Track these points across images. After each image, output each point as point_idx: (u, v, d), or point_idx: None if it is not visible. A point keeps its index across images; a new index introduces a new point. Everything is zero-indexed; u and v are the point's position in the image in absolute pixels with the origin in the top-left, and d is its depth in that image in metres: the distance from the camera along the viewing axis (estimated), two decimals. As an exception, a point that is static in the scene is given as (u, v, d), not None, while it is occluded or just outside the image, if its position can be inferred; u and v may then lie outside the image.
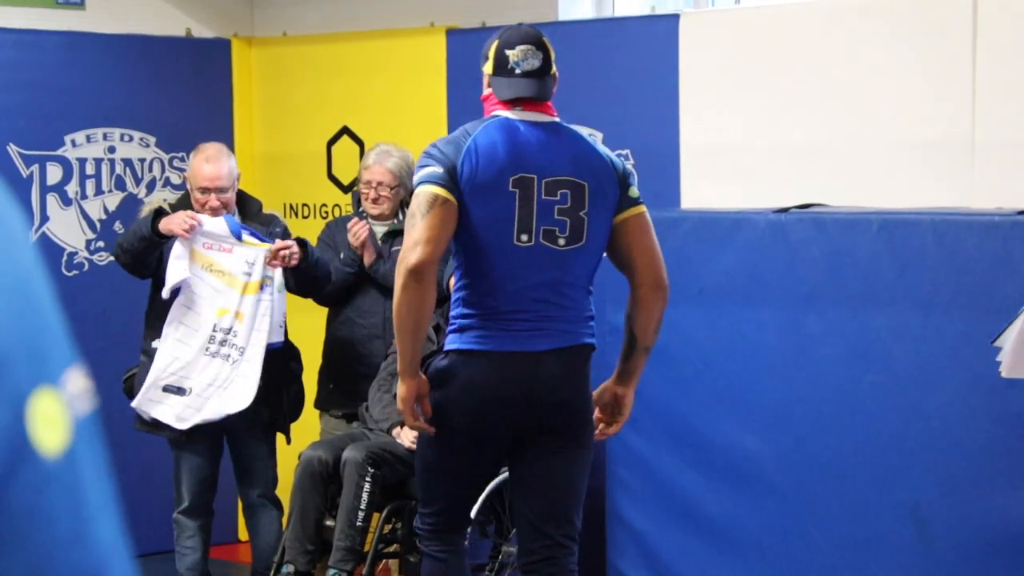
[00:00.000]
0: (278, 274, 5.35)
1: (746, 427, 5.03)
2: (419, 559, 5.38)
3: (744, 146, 5.55)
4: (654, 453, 5.24)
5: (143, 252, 5.29)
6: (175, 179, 6.68)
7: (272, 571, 5.41)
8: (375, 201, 5.77)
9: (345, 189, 6.70)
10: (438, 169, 3.93)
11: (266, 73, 6.88)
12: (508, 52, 4.08)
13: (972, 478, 4.56)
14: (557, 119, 4.11)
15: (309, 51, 6.78)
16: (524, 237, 3.95)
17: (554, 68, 4.13)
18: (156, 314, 5.37)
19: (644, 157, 5.82)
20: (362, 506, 5.16)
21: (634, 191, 4.09)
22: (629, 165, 4.45)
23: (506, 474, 5.38)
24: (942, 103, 5.11)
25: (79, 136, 6.43)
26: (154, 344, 5.33)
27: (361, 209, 5.81)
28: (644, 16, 6.11)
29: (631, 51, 5.84)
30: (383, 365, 5.66)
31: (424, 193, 3.91)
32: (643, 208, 4.09)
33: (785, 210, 5.02)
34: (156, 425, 5.33)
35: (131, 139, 6.58)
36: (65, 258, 6.42)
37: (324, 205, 6.69)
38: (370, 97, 6.57)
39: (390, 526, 5.37)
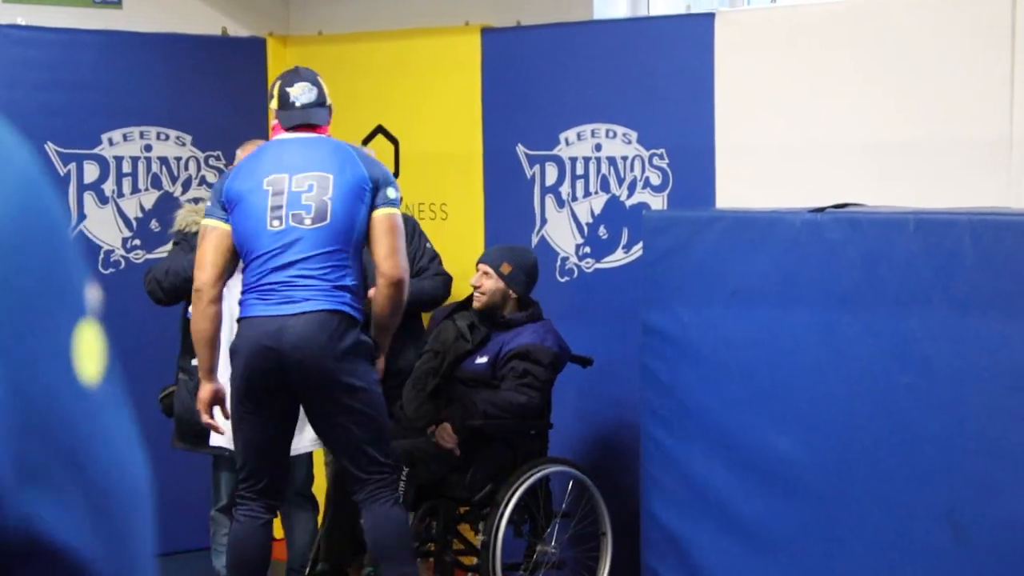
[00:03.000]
0: None
1: (781, 428, 5.02)
2: (454, 558, 5.41)
3: (780, 145, 5.54)
4: (688, 453, 5.23)
5: (184, 290, 5.25)
6: (211, 177, 6.71)
7: (308, 569, 5.43)
8: None
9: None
10: (209, 202, 4.89)
11: (301, 72, 6.90)
12: (288, 90, 4.95)
13: (1008, 481, 4.54)
14: (324, 136, 4.92)
15: (344, 50, 6.79)
16: (276, 223, 4.71)
17: (328, 101, 4.98)
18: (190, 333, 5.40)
19: (679, 156, 5.83)
20: (397, 505, 5.17)
21: (391, 193, 4.78)
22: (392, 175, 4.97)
23: (540, 473, 5.40)
24: (980, 102, 5.08)
25: (116, 135, 6.48)
26: (194, 362, 5.30)
27: None
28: (679, 15, 6.11)
29: (666, 50, 5.84)
30: (417, 364, 5.68)
31: (201, 226, 4.89)
32: (394, 211, 4.76)
33: (821, 210, 5.00)
34: (196, 443, 5.39)
35: (167, 138, 6.62)
36: (102, 256, 6.48)
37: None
38: (404, 96, 6.57)
39: (425, 524, 5.38)
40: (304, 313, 4.61)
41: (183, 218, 5.57)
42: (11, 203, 0.85)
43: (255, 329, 4.66)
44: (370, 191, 4.74)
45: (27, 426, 0.83)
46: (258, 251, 4.70)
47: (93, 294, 0.90)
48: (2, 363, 0.83)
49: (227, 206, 4.77)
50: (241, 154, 5.52)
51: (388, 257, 4.71)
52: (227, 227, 4.74)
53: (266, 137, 6.74)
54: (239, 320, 4.78)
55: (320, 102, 4.94)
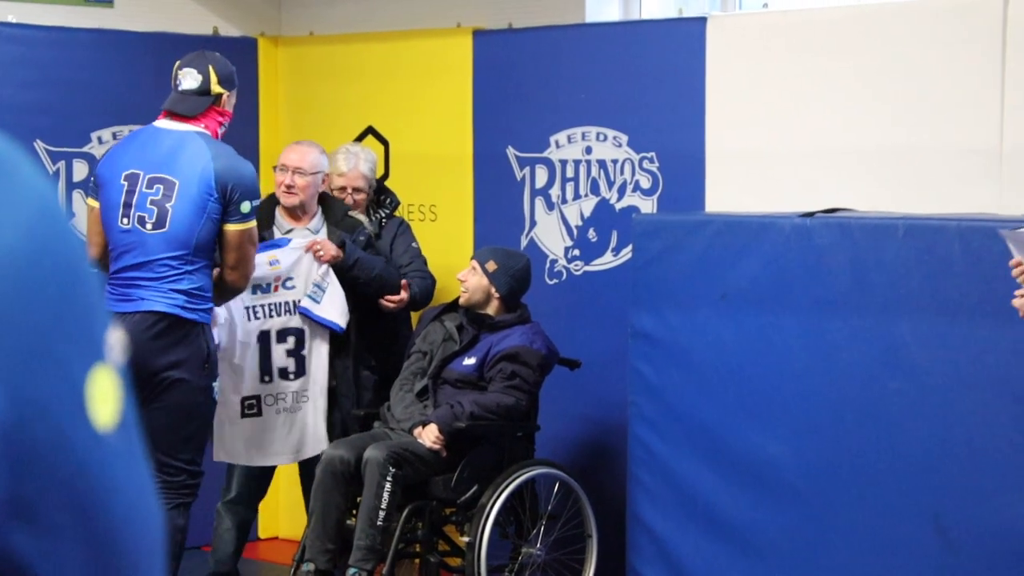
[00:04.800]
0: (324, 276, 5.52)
1: (768, 432, 5.02)
2: (439, 559, 5.40)
3: (770, 150, 5.53)
4: (675, 457, 5.23)
5: None
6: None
7: (292, 569, 5.41)
8: (352, 207, 5.85)
9: (370, 189, 6.69)
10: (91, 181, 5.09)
11: (292, 72, 6.89)
12: (177, 72, 5.02)
13: (995, 486, 4.54)
14: (195, 130, 4.93)
15: (335, 51, 6.77)
16: (125, 221, 4.90)
17: (215, 90, 4.96)
18: None
19: (670, 160, 5.82)
20: (383, 505, 5.16)
21: (245, 207, 4.89)
22: (259, 186, 5.08)
23: (527, 475, 5.40)
24: (970, 109, 5.08)
25: (105, 133, 6.44)
26: None
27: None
28: (671, 19, 6.10)
29: (658, 54, 5.83)
30: (405, 365, 5.67)
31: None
32: (245, 226, 4.89)
33: (811, 215, 5.00)
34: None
35: (157, 136, 6.58)
36: (90, 254, 6.46)
37: (349, 205, 6.68)
38: (396, 97, 6.56)
39: (410, 526, 5.37)
40: (136, 312, 4.80)
41: None
42: (28, 239, 0.83)
43: None
44: (216, 201, 4.85)
45: (28, 462, 0.82)
46: (111, 244, 4.94)
47: (114, 340, 0.88)
48: (8, 397, 0.81)
49: (96, 187, 5.03)
50: (281, 157, 5.71)
51: (233, 269, 4.92)
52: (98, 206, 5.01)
53: (255, 139, 6.76)
54: None
55: (201, 91, 4.96)
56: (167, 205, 4.85)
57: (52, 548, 0.83)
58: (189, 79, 4.96)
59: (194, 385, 4.86)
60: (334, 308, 5.50)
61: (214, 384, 4.95)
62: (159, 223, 4.86)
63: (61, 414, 0.83)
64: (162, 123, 4.98)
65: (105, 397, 0.86)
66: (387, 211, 6.00)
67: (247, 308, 5.46)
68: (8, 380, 0.81)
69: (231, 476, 5.65)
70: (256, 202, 4.94)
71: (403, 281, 5.76)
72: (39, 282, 0.83)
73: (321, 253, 5.49)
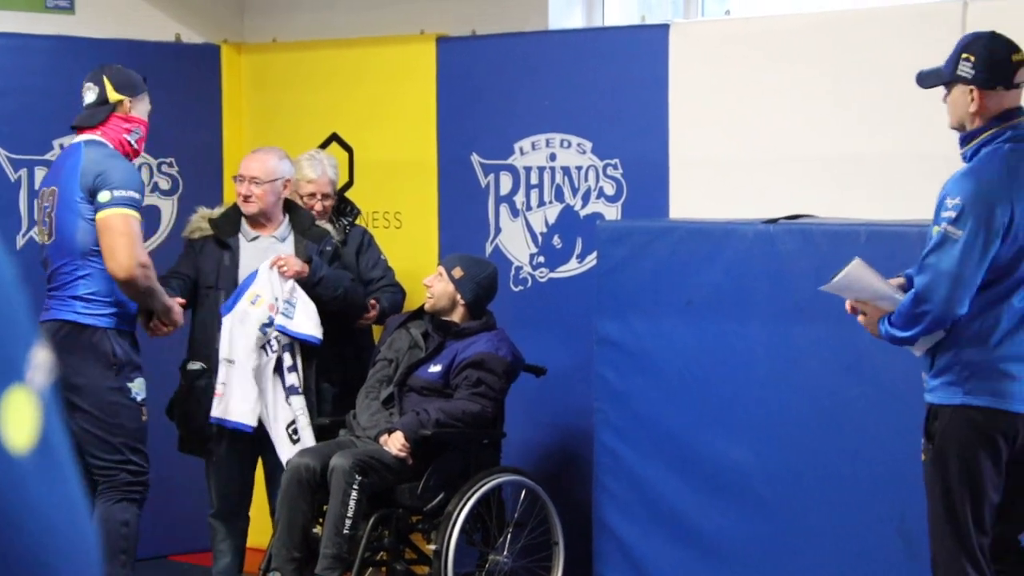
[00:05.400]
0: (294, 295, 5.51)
1: (733, 438, 5.03)
2: (406, 567, 5.39)
3: (734, 157, 5.55)
4: (641, 463, 5.24)
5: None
6: (163, 184, 6.67)
7: (258, 578, 5.40)
8: (319, 213, 5.85)
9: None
10: None
11: (255, 79, 6.86)
12: (82, 91, 5.18)
13: (958, 491, 4.56)
14: (87, 138, 5.09)
15: (299, 57, 6.76)
16: (42, 236, 5.18)
17: (112, 97, 5.11)
18: (194, 336, 5.59)
19: (633, 167, 5.82)
20: (349, 514, 5.15)
21: (104, 195, 4.96)
22: (133, 175, 5.12)
23: (493, 482, 5.40)
24: (932, 115, 5.11)
25: (67, 140, 6.40)
26: (190, 366, 5.56)
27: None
28: (634, 26, 6.11)
29: (621, 61, 5.84)
30: (370, 372, 5.66)
31: None
32: (110, 212, 4.95)
33: (774, 221, 5.02)
34: (193, 449, 5.59)
35: (119, 144, 6.55)
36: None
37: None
38: (359, 104, 6.54)
39: (377, 534, 5.36)
40: (45, 322, 4.98)
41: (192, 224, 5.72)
42: None
43: None
44: (83, 200, 4.99)
45: None
46: (41, 257, 5.20)
47: (40, 360, 0.87)
48: None
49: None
50: (240, 166, 5.68)
51: (108, 259, 4.97)
52: None
53: (219, 146, 6.75)
54: None
55: (99, 101, 5.12)
56: (52, 214, 5.06)
57: None
58: (89, 93, 5.14)
59: (102, 387, 5.01)
60: (309, 321, 5.47)
61: (129, 384, 5.04)
62: (51, 233, 5.08)
63: None
64: (74, 139, 5.19)
65: (20, 419, 0.85)
66: (350, 219, 5.99)
67: (263, 348, 5.43)
68: None
69: (210, 490, 5.62)
70: (120, 192, 4.95)
71: (371, 300, 5.76)
72: None
73: (285, 269, 5.45)
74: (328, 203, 5.87)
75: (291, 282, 5.46)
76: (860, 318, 4.19)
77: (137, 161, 6.55)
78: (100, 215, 4.96)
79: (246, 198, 5.55)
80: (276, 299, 5.42)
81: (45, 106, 6.26)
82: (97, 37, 6.42)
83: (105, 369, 5.01)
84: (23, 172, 6.31)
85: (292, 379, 5.46)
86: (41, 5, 6.46)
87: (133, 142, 5.16)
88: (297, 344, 5.49)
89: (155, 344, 6.13)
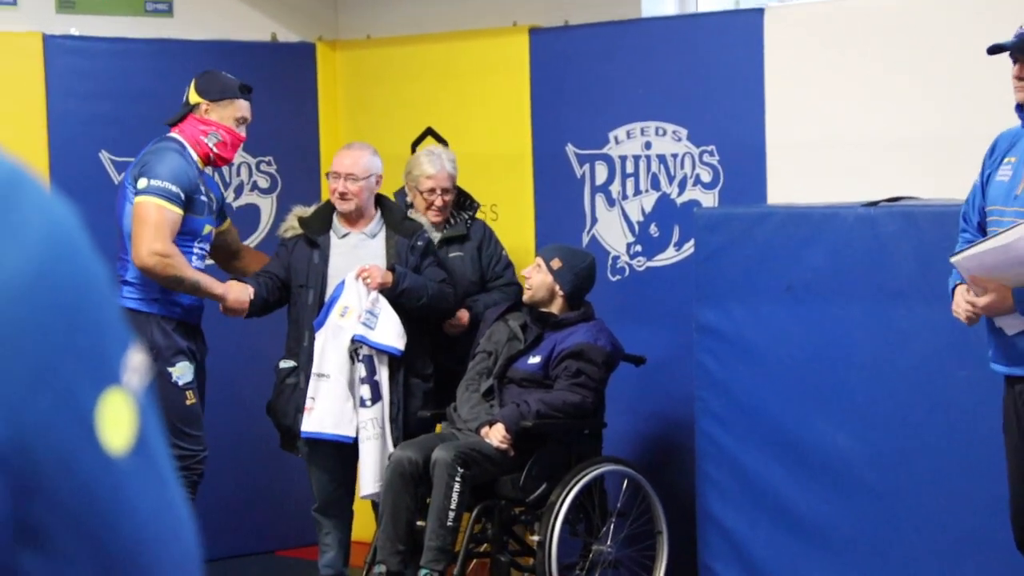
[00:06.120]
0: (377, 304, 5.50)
1: (837, 424, 4.99)
2: (510, 559, 5.41)
3: (831, 140, 5.49)
4: (743, 451, 5.21)
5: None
6: (262, 183, 6.74)
7: (364, 571, 5.44)
8: (440, 209, 5.84)
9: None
10: None
11: (350, 76, 6.90)
12: None
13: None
14: (170, 135, 5.32)
15: (393, 53, 6.79)
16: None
17: (192, 99, 5.34)
18: (290, 333, 5.64)
19: (730, 153, 5.78)
20: (452, 506, 5.16)
21: (142, 182, 5.11)
22: (165, 164, 5.19)
23: (595, 472, 5.39)
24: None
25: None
26: (282, 364, 5.60)
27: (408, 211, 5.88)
28: (728, 11, 6.07)
29: (715, 47, 5.80)
30: (470, 365, 5.68)
31: None
32: (141, 200, 5.09)
33: (874, 204, 4.96)
34: (291, 446, 5.64)
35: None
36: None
37: (410, 204, 6.70)
38: (453, 98, 6.56)
39: (480, 525, 5.37)
40: None
41: (287, 225, 5.77)
42: (32, 263, 0.83)
43: None
44: (131, 185, 5.17)
45: (30, 487, 0.81)
46: None
47: (135, 363, 0.88)
48: (9, 421, 0.81)
49: None
50: (333, 163, 5.71)
51: (133, 247, 5.11)
52: None
53: (315, 144, 6.80)
54: None
55: (184, 102, 5.37)
56: (120, 201, 5.25)
57: (61, 571, 0.83)
58: (184, 95, 5.39)
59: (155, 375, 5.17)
60: (391, 331, 5.45)
61: (169, 369, 5.14)
62: (117, 220, 5.24)
63: (64, 439, 0.83)
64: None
65: (117, 421, 0.85)
66: (470, 213, 6.00)
67: (351, 358, 5.45)
68: (8, 404, 0.81)
69: (312, 485, 5.67)
70: (156, 182, 5.07)
71: (462, 310, 5.77)
72: (43, 307, 0.83)
73: (368, 280, 5.46)
74: (448, 198, 5.87)
75: (375, 292, 5.47)
76: (981, 300, 4.04)
77: (236, 160, 6.68)
78: (139, 199, 5.10)
79: (343, 195, 5.57)
80: (363, 310, 5.44)
81: (146, 109, 6.35)
82: (195, 39, 6.50)
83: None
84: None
85: (364, 391, 5.44)
86: (141, 8, 6.55)
87: (212, 145, 5.26)
88: (379, 354, 5.48)
89: (255, 344, 6.24)
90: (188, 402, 5.21)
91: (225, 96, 5.31)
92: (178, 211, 5.12)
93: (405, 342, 5.48)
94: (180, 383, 5.19)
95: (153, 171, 5.11)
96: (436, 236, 5.83)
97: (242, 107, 5.35)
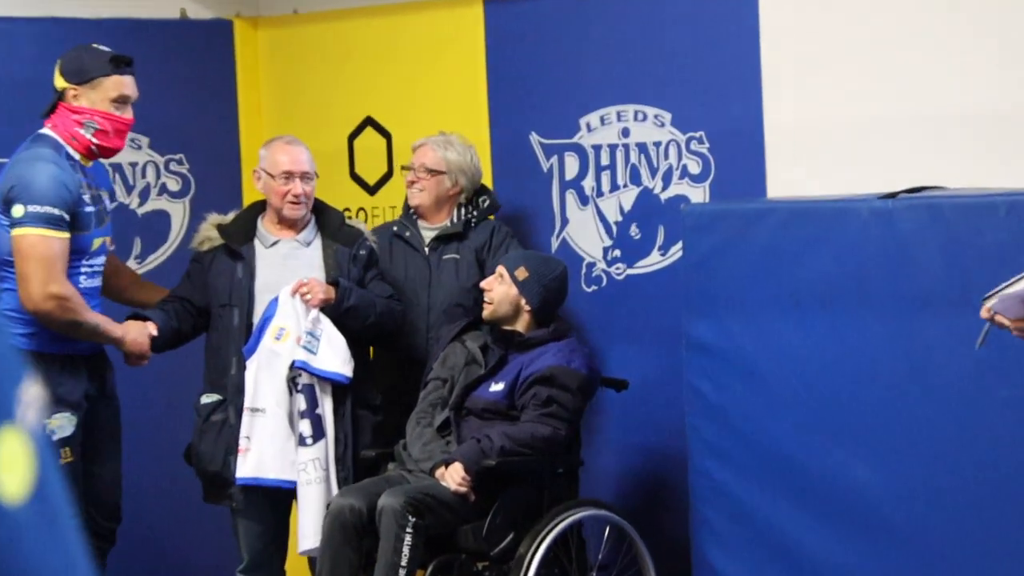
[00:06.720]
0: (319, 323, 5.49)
1: (853, 455, 5.02)
2: (472, 623, 5.35)
3: (840, 122, 5.53)
4: (746, 489, 5.23)
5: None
6: (172, 185, 6.68)
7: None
8: (411, 184, 5.91)
9: (371, 190, 6.70)
10: None
11: (275, 58, 6.93)
12: None
13: None
14: (42, 132, 5.15)
15: (324, 30, 6.81)
16: None
17: (57, 85, 5.16)
18: (208, 364, 5.62)
19: (721, 140, 5.86)
20: (403, 562, 5.14)
21: (17, 210, 4.97)
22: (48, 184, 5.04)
23: (571, 518, 5.34)
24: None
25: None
26: (203, 399, 5.57)
27: (412, 213, 6.00)
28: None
29: (703, 18, 5.85)
30: (422, 395, 5.66)
31: None
32: (20, 232, 4.95)
33: (892, 195, 4.99)
34: (216, 497, 5.60)
35: (121, 140, 6.56)
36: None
37: (347, 208, 6.68)
38: (397, 82, 6.59)
39: (437, 584, 5.33)
40: None
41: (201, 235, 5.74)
42: None
43: None
44: (4, 219, 5.02)
45: None
46: None
47: (30, 396, 0.88)
48: None
49: None
50: (271, 146, 5.68)
51: (19, 287, 5.00)
52: None
53: (235, 137, 6.74)
54: None
55: (53, 88, 5.20)
56: None
57: None
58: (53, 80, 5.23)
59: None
60: (336, 356, 5.44)
61: (45, 423, 5.05)
62: None
63: None
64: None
65: (12, 464, 0.84)
66: (474, 213, 6.00)
67: (290, 387, 5.42)
68: None
69: (238, 542, 5.66)
70: (34, 208, 4.94)
71: None
72: None
73: (308, 296, 5.43)
74: (423, 176, 5.94)
75: (315, 310, 5.40)
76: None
77: (142, 159, 6.61)
78: (15, 232, 4.98)
79: (296, 199, 5.52)
80: (303, 331, 5.36)
81: (29, 101, 6.23)
82: (86, 17, 6.45)
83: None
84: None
85: (304, 427, 5.40)
86: (30, -17, 6.47)
87: (90, 136, 5.14)
88: (321, 382, 5.44)
89: (169, 379, 6.17)
90: (63, 460, 5.08)
91: (93, 75, 5.14)
92: (64, 235, 5.02)
93: (352, 368, 5.41)
94: (52, 438, 5.06)
95: (27, 193, 4.95)
96: (430, 234, 5.92)
97: (118, 84, 5.19)
